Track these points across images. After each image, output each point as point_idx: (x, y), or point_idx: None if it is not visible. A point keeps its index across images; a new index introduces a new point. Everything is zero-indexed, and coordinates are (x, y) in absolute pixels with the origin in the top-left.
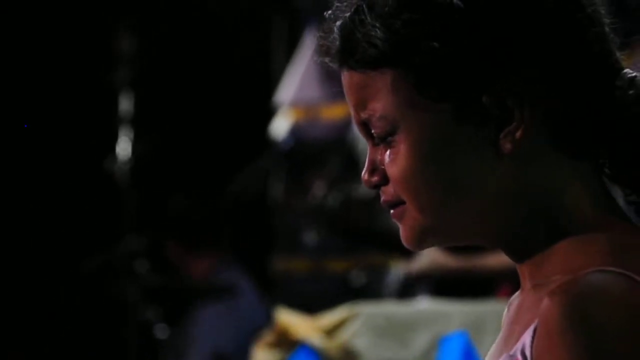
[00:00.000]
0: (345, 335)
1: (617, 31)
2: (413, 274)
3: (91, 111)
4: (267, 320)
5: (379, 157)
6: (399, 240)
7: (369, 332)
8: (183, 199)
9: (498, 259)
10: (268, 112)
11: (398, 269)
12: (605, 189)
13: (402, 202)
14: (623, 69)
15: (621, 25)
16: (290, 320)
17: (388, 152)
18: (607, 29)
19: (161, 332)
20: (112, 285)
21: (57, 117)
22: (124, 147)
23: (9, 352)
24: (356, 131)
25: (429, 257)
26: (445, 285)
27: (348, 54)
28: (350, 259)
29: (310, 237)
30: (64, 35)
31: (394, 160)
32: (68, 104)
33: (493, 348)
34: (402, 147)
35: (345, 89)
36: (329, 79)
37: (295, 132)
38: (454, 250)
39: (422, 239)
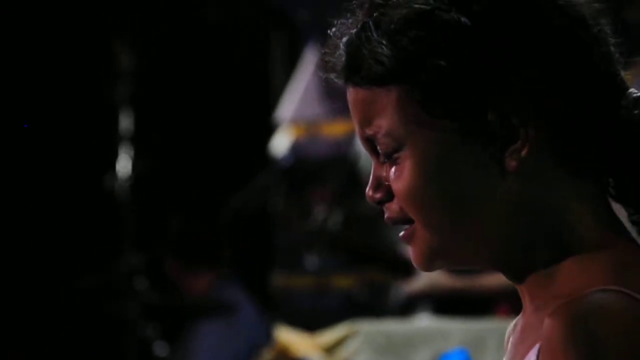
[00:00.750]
0: (345, 353)
1: (622, 51)
2: (412, 292)
3: (91, 128)
4: (267, 337)
5: (383, 173)
6: (400, 258)
7: (369, 349)
8: (183, 216)
9: (496, 279)
10: (268, 128)
11: (400, 286)
12: (609, 208)
13: (406, 219)
14: (628, 89)
15: (622, 44)
16: (290, 338)
17: (393, 169)
18: (612, 49)
19: (160, 349)
20: (112, 302)
21: (56, 134)
22: (123, 165)
23: None
24: (357, 147)
25: (428, 276)
26: (444, 303)
27: (354, 71)
28: (353, 275)
29: (312, 254)
30: (63, 52)
31: (399, 177)
32: (68, 121)
33: None
34: (408, 164)
35: (351, 105)
36: (330, 96)
37: (296, 149)
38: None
39: (432, 260)
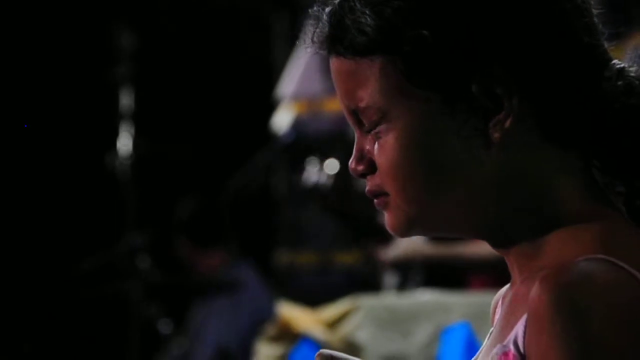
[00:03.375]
0: (347, 328)
1: (606, 22)
2: (387, 260)
3: (92, 107)
4: (274, 314)
5: (366, 145)
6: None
7: (370, 324)
8: (190, 195)
9: (477, 248)
10: (270, 106)
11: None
12: (594, 180)
13: (386, 192)
14: (611, 60)
15: (612, 17)
16: (293, 313)
17: (376, 142)
18: (595, 20)
19: (165, 327)
20: (114, 281)
21: (57, 114)
22: (124, 143)
23: (12, 350)
24: None
25: (405, 244)
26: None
27: (337, 41)
28: (357, 251)
29: (315, 229)
30: (64, 32)
31: (382, 150)
32: (69, 101)
33: (487, 341)
34: (391, 136)
35: (334, 76)
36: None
37: (297, 125)
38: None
39: (409, 227)
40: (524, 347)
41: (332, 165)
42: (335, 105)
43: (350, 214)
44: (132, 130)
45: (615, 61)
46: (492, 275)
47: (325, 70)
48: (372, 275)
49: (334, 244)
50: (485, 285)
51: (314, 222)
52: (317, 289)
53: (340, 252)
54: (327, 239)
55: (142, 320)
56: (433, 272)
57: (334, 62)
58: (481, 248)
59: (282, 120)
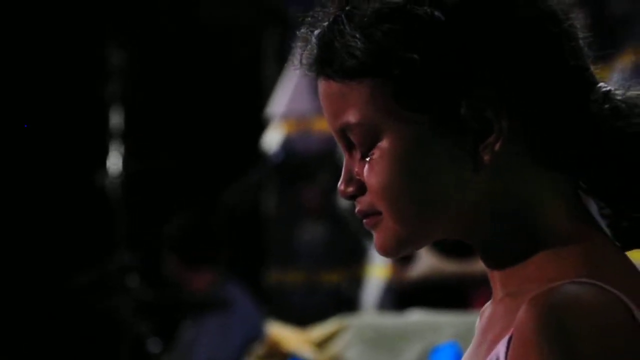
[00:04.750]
0: (336, 348)
1: (593, 44)
2: (412, 280)
3: (82, 126)
4: (263, 333)
5: (355, 167)
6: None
7: (359, 343)
8: (180, 214)
9: None
10: (260, 124)
11: (377, 280)
12: (580, 202)
13: (378, 212)
14: (598, 83)
15: (600, 39)
16: (282, 333)
17: (366, 163)
18: (581, 43)
19: (154, 346)
20: (104, 299)
21: (48, 132)
22: (114, 162)
23: None
24: None
25: (425, 264)
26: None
27: (326, 63)
28: (343, 270)
29: (303, 248)
30: (55, 50)
31: (372, 171)
32: (59, 119)
33: (465, 356)
34: (381, 158)
35: (322, 98)
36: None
37: (287, 144)
38: (449, 255)
39: (398, 247)
40: None
41: None
42: (324, 125)
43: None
44: (122, 149)
45: (601, 84)
46: None
47: (315, 90)
48: (355, 294)
49: (320, 263)
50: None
51: (302, 240)
52: (304, 308)
53: (327, 272)
54: (314, 258)
55: (132, 339)
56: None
57: (322, 85)
58: None
59: (273, 139)
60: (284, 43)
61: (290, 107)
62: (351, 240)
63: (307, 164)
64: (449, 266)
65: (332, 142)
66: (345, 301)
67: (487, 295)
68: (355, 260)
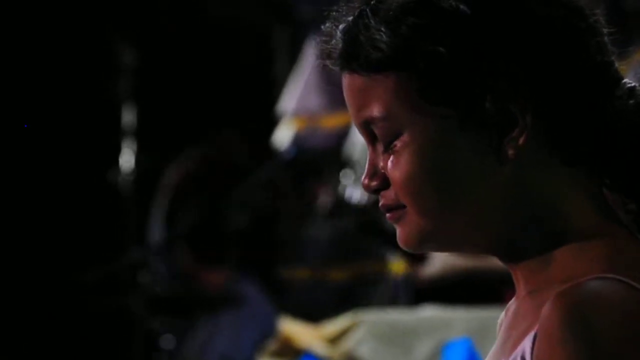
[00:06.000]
0: (349, 343)
1: (616, 42)
2: (429, 277)
3: (95, 123)
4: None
5: (379, 161)
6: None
7: (372, 339)
8: (194, 212)
9: None
10: (271, 121)
11: (394, 276)
12: (603, 197)
13: (402, 206)
14: (622, 79)
15: (619, 36)
16: (294, 329)
17: (391, 157)
18: (606, 39)
19: (167, 342)
20: (116, 296)
21: (61, 130)
22: (127, 159)
23: None
24: (354, 138)
25: (442, 260)
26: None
27: (352, 57)
28: (350, 267)
29: (312, 245)
30: (67, 49)
31: (396, 165)
32: (72, 117)
33: (490, 353)
34: (405, 152)
35: (346, 92)
36: (329, 90)
37: (297, 141)
38: None
39: (421, 242)
40: None
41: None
42: (332, 122)
43: (388, 230)
44: (134, 146)
45: (625, 80)
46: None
47: (324, 87)
48: (364, 291)
49: (328, 260)
50: None
51: (311, 238)
52: (312, 304)
53: (334, 269)
54: (322, 255)
55: (145, 335)
56: (469, 287)
57: (347, 78)
58: None
59: (284, 135)
60: (295, 40)
61: (300, 105)
62: (359, 237)
63: (316, 160)
64: (462, 262)
65: (339, 138)
66: (353, 298)
67: (503, 292)
68: (364, 258)
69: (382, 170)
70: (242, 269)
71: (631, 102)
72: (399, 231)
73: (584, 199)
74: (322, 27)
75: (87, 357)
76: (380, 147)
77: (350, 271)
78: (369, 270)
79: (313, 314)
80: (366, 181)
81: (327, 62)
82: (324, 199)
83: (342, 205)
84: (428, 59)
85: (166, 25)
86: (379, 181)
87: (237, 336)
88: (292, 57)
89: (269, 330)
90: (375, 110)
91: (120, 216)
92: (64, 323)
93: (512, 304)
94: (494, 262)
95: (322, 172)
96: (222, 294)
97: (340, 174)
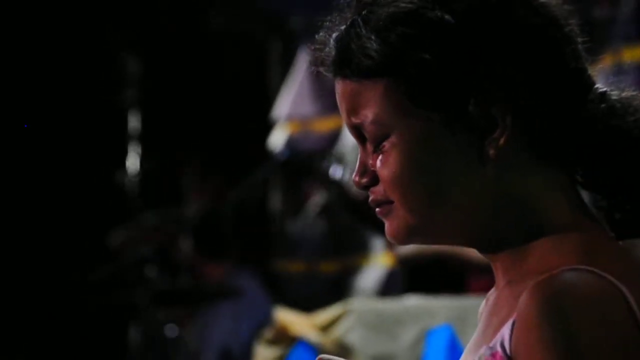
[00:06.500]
0: (339, 331)
1: (587, 49)
2: (401, 259)
3: (102, 129)
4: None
5: (369, 160)
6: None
7: (361, 327)
8: (196, 208)
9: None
10: (266, 126)
11: (378, 267)
12: (578, 195)
13: (390, 202)
14: (595, 84)
15: (590, 44)
16: (289, 318)
17: (380, 156)
18: (580, 46)
19: (171, 331)
20: (122, 291)
21: (71, 135)
22: (132, 162)
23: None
24: (346, 141)
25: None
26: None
27: (344, 64)
28: (340, 261)
29: (305, 240)
30: (75, 59)
31: (385, 164)
32: (81, 123)
33: (472, 340)
34: (393, 152)
35: (339, 97)
36: (320, 96)
37: (291, 144)
38: None
39: (408, 235)
40: (510, 350)
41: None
42: (323, 126)
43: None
44: (140, 150)
45: (598, 85)
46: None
47: (315, 94)
48: (354, 282)
49: (318, 254)
50: (485, 290)
51: (304, 233)
52: (305, 295)
53: (326, 262)
54: (314, 250)
55: (149, 328)
56: (434, 275)
57: (339, 84)
58: None
59: (278, 139)
60: (287, 52)
61: (293, 110)
62: (348, 231)
63: (308, 161)
64: (437, 247)
65: (330, 141)
66: (343, 289)
67: (481, 280)
68: (353, 251)
69: (372, 169)
70: (241, 262)
71: (602, 106)
72: (387, 225)
73: (560, 196)
74: (316, 35)
75: (91, 351)
76: (370, 147)
77: (340, 264)
78: (358, 263)
79: (306, 304)
80: (357, 178)
81: (321, 69)
82: (316, 197)
83: (328, 202)
84: (415, 66)
85: (169, 37)
86: (369, 178)
87: (235, 325)
88: (286, 66)
89: (266, 320)
90: (366, 114)
91: (126, 214)
92: (71, 319)
93: (492, 293)
94: (470, 250)
95: (314, 172)
96: (221, 286)
97: (330, 172)
